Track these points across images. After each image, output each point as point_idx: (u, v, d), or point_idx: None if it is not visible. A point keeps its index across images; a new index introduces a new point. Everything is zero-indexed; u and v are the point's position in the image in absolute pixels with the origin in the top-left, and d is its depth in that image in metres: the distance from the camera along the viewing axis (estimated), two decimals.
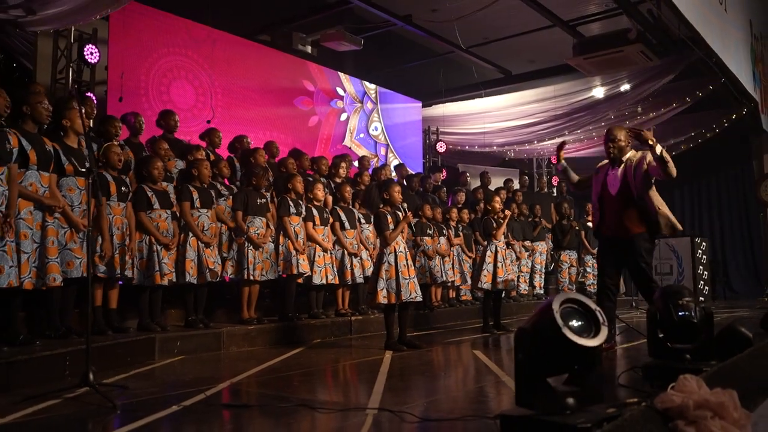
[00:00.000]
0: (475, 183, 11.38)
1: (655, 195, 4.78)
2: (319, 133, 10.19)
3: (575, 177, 5.34)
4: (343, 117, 10.65)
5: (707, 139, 11.61)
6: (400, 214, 5.40)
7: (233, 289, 6.39)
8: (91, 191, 3.63)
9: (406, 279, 5.36)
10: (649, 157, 4.60)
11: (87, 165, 4.71)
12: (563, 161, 5.35)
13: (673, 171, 4.50)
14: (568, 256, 7.93)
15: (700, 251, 11.17)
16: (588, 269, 10.21)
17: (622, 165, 4.80)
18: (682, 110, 10.59)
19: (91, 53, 6.56)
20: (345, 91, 10.60)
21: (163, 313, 5.58)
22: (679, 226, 4.76)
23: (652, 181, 4.76)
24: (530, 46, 10.13)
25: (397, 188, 5.50)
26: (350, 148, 10.67)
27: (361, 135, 10.97)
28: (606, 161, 5.00)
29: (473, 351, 5.42)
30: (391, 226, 5.35)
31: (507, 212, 7.22)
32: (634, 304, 10.12)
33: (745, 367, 3.36)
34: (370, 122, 11.17)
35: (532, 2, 8.32)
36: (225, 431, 2.79)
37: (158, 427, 2.81)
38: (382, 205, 5.52)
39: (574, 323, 2.31)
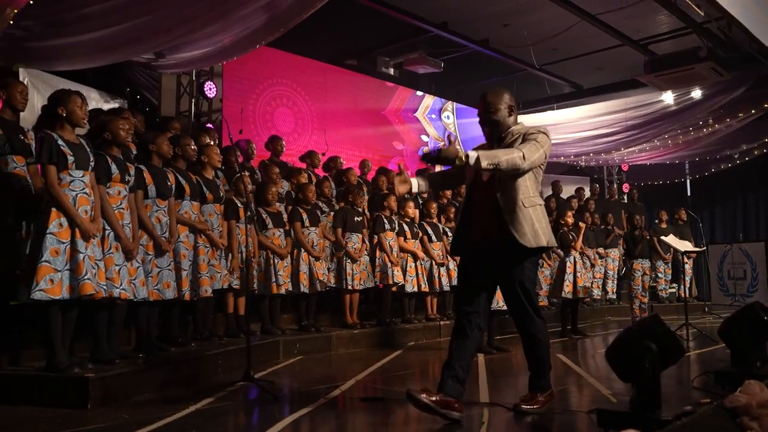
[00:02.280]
0: (547, 191, 11.87)
1: (526, 187, 3.36)
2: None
3: (423, 184, 3.62)
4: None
5: None
6: None
7: (334, 296, 7.16)
8: (251, 222, 4.44)
9: None
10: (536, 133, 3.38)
11: (221, 194, 5.60)
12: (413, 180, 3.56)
13: (505, 167, 3.19)
14: (641, 265, 8.35)
15: None
16: (660, 275, 10.59)
17: (502, 143, 3.46)
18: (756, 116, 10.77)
19: (210, 89, 7.49)
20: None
21: (278, 318, 6.40)
22: (554, 242, 3.49)
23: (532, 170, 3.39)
24: (601, 62, 10.55)
25: None
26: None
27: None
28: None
29: (556, 354, 6.00)
30: None
31: (581, 225, 7.76)
32: (706, 309, 10.37)
33: None
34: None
35: (603, 24, 8.77)
36: (375, 418, 3.49)
37: (318, 414, 3.55)
38: None
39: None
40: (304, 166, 7.66)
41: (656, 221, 10.86)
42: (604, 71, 11.14)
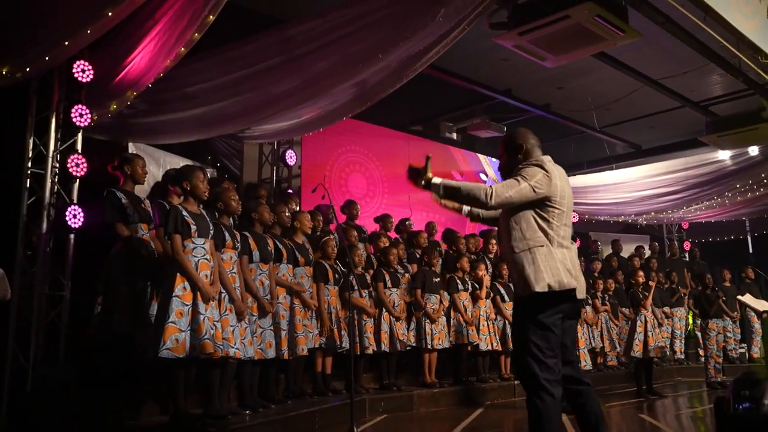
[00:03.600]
0: (606, 250, 11.93)
1: (519, 229, 3.01)
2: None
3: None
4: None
5: None
6: None
7: (410, 355, 7.33)
8: (353, 286, 4.72)
9: None
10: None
11: (311, 257, 5.94)
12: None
13: (466, 201, 3.09)
14: (716, 324, 8.35)
15: None
16: (729, 334, 10.40)
17: None
18: None
19: (291, 157, 7.94)
20: (487, 176, 11.69)
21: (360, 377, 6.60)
22: (570, 284, 2.93)
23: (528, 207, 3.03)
24: (655, 122, 10.75)
25: None
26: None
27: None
28: None
29: (638, 414, 6.02)
30: None
31: (652, 283, 7.83)
32: None
33: None
34: None
35: (663, 87, 9.02)
36: None
37: None
38: None
39: None
40: (378, 227, 7.98)
41: (722, 281, 10.75)
42: (657, 130, 11.29)
